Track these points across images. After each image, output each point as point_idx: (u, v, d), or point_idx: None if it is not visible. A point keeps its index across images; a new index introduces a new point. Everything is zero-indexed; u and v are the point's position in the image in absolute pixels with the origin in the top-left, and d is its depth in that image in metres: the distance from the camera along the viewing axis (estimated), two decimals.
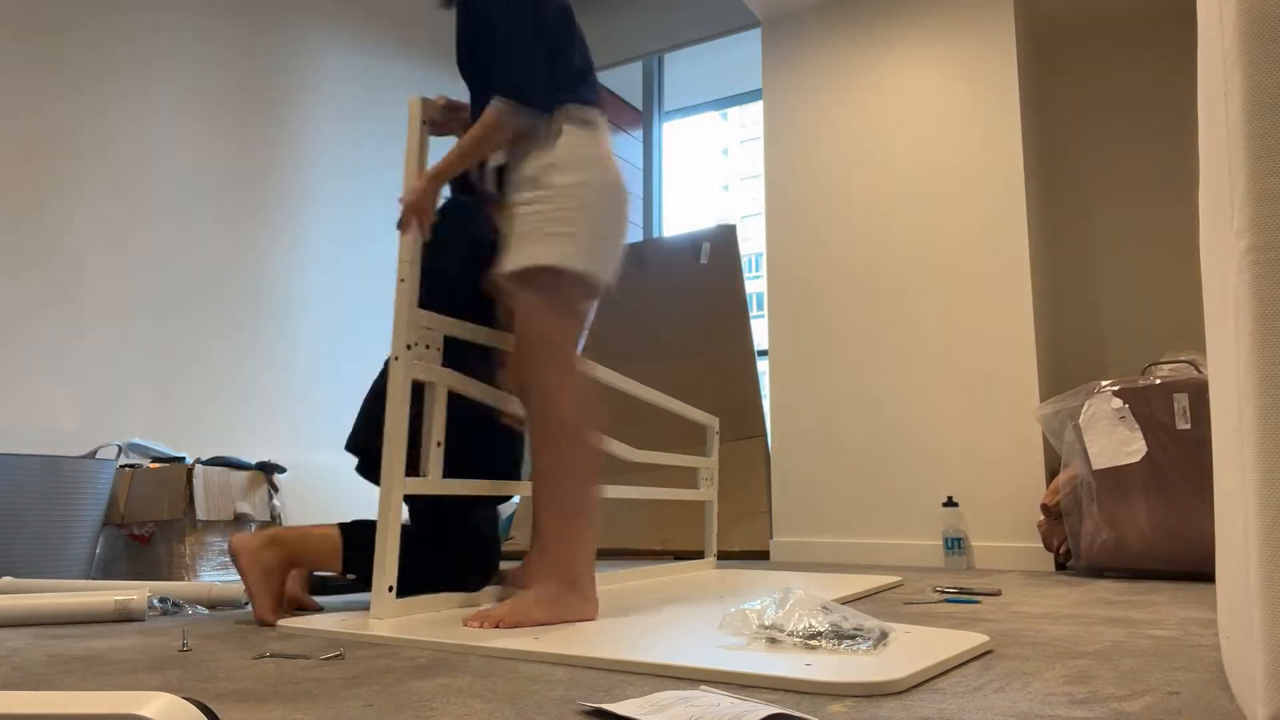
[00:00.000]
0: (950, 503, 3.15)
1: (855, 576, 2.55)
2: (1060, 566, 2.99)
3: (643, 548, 3.80)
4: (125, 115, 3.39)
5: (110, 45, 3.35)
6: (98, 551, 2.91)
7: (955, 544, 3.09)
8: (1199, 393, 2.60)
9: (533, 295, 1.72)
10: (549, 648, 1.33)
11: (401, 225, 1.82)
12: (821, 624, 1.31)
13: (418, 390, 1.82)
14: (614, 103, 5.38)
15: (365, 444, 2.01)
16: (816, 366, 3.55)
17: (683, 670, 1.17)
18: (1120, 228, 3.60)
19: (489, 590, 1.97)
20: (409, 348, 1.77)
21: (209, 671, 1.25)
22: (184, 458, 3.06)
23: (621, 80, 5.33)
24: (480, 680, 1.16)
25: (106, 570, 2.98)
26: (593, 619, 1.61)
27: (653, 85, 5.30)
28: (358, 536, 1.87)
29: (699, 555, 3.59)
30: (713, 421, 3.04)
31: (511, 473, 2.07)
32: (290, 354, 3.92)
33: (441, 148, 1.90)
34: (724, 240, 4.21)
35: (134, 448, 3.13)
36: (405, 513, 1.85)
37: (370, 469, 2.00)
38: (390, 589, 1.69)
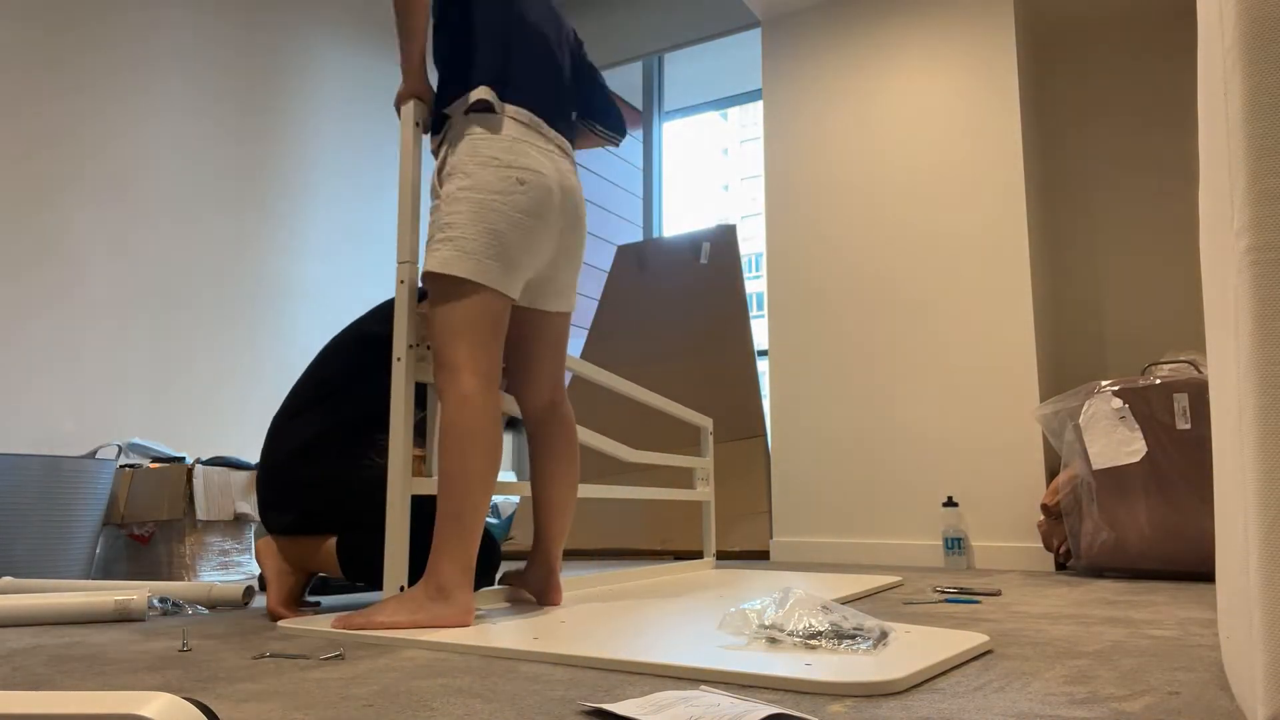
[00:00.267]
0: (950, 503, 3.15)
1: (855, 576, 2.55)
2: (1060, 566, 2.99)
3: (642, 548, 3.80)
4: (125, 115, 3.39)
5: (110, 45, 3.35)
6: (98, 551, 2.91)
7: (955, 544, 3.09)
8: (1199, 393, 2.60)
9: (430, 304, 1.72)
10: (549, 648, 1.33)
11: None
12: (821, 624, 1.31)
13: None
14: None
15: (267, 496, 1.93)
16: (816, 366, 3.55)
17: (683, 670, 1.17)
18: (1120, 227, 3.60)
19: (488, 591, 1.97)
20: (411, 348, 1.78)
21: (209, 671, 1.25)
22: (184, 458, 3.06)
23: (621, 80, 5.33)
24: (480, 680, 1.16)
25: (106, 570, 2.98)
26: (465, 625, 1.57)
27: (653, 85, 5.30)
28: (348, 549, 1.87)
29: (698, 555, 3.59)
30: (706, 422, 3.04)
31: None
32: (290, 354, 3.92)
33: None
34: (724, 240, 4.21)
35: (134, 448, 3.13)
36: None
37: (268, 516, 1.93)
38: (402, 589, 1.70)
